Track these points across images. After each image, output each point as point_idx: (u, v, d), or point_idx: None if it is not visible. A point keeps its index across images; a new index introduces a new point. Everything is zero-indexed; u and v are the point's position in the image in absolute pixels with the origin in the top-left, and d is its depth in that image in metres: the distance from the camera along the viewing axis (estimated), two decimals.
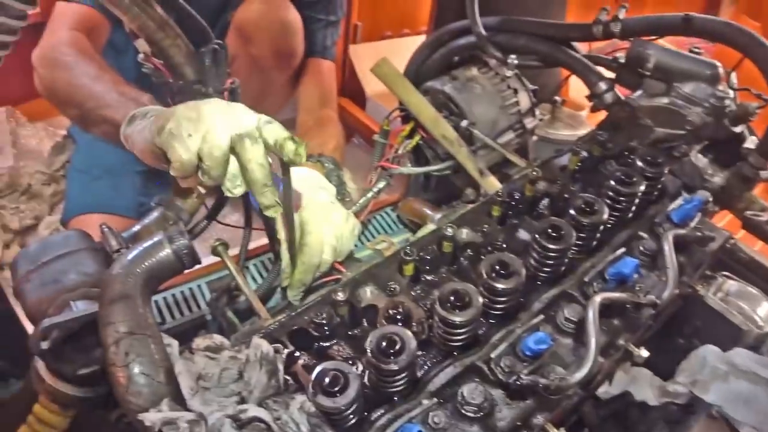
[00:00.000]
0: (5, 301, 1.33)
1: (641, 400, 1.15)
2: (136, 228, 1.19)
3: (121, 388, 0.78)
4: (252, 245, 1.86)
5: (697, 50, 1.40)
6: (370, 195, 1.50)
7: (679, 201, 1.27)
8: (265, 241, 1.55)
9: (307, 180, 1.36)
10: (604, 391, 1.17)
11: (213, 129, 0.99)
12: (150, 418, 0.73)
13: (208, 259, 1.80)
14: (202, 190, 1.20)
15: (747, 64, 1.32)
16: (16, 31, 0.80)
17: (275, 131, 1.00)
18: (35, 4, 0.79)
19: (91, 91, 1.38)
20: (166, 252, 0.94)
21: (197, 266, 1.76)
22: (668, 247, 1.11)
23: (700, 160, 1.38)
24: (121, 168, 2.08)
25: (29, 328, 0.94)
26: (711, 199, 1.29)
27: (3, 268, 2.21)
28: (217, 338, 0.85)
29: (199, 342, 0.84)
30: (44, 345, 0.88)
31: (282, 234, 1.20)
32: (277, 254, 1.26)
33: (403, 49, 1.88)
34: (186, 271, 1.46)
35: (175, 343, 0.86)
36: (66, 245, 1.06)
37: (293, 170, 1.07)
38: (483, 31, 1.57)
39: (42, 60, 1.52)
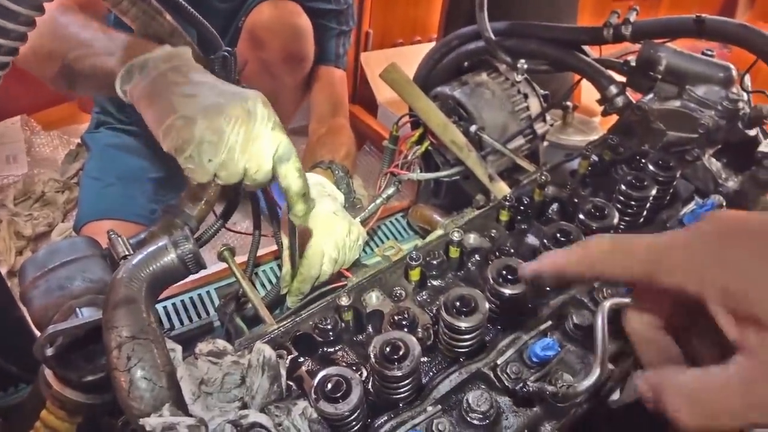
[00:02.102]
0: (16, 307, 1.33)
1: None
2: (143, 234, 1.19)
3: (123, 392, 0.77)
4: (263, 251, 1.86)
5: (709, 53, 1.38)
6: (379, 201, 1.49)
7: (691, 206, 1.25)
8: (275, 247, 1.55)
9: (314, 187, 1.36)
10: (615, 399, 1.15)
11: (232, 159, 0.96)
12: (150, 423, 0.73)
13: (218, 266, 1.81)
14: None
15: (761, 66, 1.30)
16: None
17: (293, 180, 0.99)
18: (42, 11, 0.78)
19: (78, 39, 1.17)
20: (171, 257, 0.94)
21: (207, 272, 1.78)
22: None
23: (714, 164, 1.36)
24: (134, 175, 2.10)
25: (39, 334, 0.94)
26: (725, 203, 1.26)
27: (15, 275, 2.23)
28: (220, 343, 0.84)
29: (202, 347, 0.83)
30: (49, 351, 0.89)
31: (285, 241, 1.20)
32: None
33: (414, 56, 1.87)
34: (196, 277, 1.46)
35: (178, 347, 0.85)
36: (73, 251, 1.06)
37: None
38: (492, 36, 1.56)
39: None
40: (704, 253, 0.59)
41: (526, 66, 1.55)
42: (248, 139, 0.95)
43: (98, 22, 1.21)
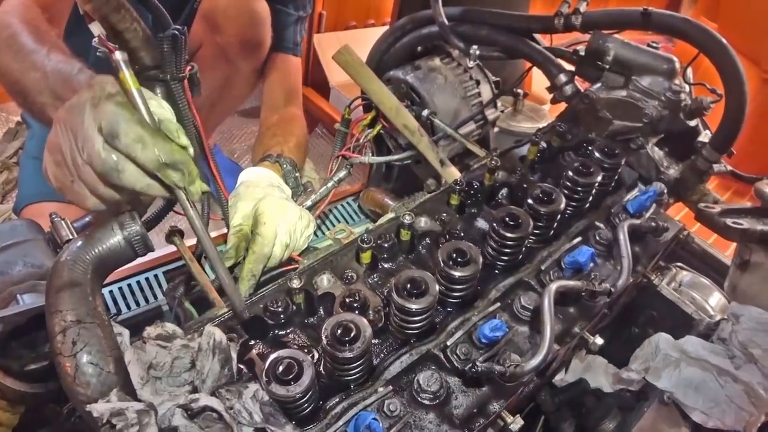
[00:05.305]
0: None
1: (596, 387, 1.17)
2: (89, 217, 1.15)
3: (68, 378, 0.76)
4: (213, 234, 1.83)
5: (654, 45, 1.42)
6: (330, 184, 1.48)
7: (634, 192, 1.29)
8: (225, 230, 1.53)
9: (264, 178, 1.36)
10: (560, 378, 1.19)
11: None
12: (98, 409, 0.71)
13: (166, 249, 1.78)
14: None
15: (702, 59, 1.34)
16: None
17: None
18: None
19: (27, 82, 1.16)
20: (117, 239, 0.92)
21: (155, 255, 1.74)
22: (623, 237, 1.13)
23: (656, 153, 1.41)
24: None
25: None
26: (666, 190, 1.31)
27: None
28: (169, 327, 0.83)
29: (151, 330, 0.82)
30: None
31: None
32: None
33: (367, 40, 1.87)
34: (144, 260, 1.42)
35: (126, 331, 0.84)
36: (13, 235, 1.02)
37: (249, 170, 1.15)
38: (446, 21, 1.57)
39: None
40: None
41: (478, 52, 1.56)
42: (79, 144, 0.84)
43: (56, 42, 1.20)
